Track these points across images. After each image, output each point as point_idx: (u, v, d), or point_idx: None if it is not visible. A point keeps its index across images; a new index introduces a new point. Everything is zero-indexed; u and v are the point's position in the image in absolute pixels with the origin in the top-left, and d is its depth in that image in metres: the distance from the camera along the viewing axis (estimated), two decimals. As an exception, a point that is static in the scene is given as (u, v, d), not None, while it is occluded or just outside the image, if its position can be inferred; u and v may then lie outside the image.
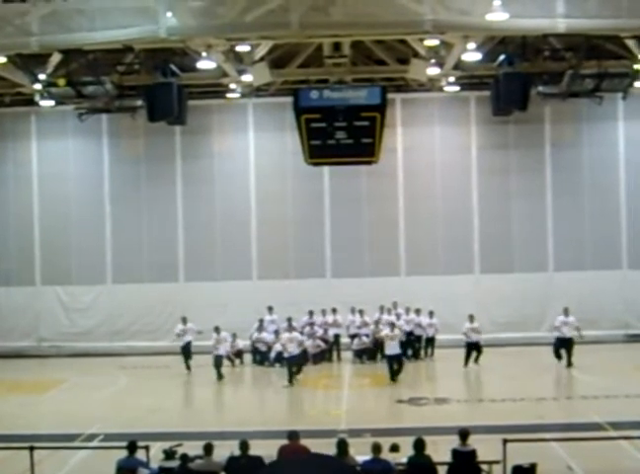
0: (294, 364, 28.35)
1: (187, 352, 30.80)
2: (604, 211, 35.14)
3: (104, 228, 35.96)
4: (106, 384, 28.50)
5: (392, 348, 27.87)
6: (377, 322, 31.90)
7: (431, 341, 32.54)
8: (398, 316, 31.96)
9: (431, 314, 32.35)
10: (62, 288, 36.14)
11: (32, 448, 16.03)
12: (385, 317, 31.99)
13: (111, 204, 36.04)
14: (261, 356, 32.20)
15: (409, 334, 31.80)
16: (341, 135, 21.96)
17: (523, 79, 26.28)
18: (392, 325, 28.73)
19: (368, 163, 24.26)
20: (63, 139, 35.86)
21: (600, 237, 35.02)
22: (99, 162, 36.04)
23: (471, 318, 30.45)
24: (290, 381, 27.69)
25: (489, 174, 35.38)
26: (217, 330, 29.81)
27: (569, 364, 29.04)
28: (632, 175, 35.16)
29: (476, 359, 29.98)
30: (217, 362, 29.31)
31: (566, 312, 29.82)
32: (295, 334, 29.62)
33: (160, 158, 35.64)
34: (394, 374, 27.63)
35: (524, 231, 35.33)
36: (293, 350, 28.41)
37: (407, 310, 32.41)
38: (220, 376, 29.06)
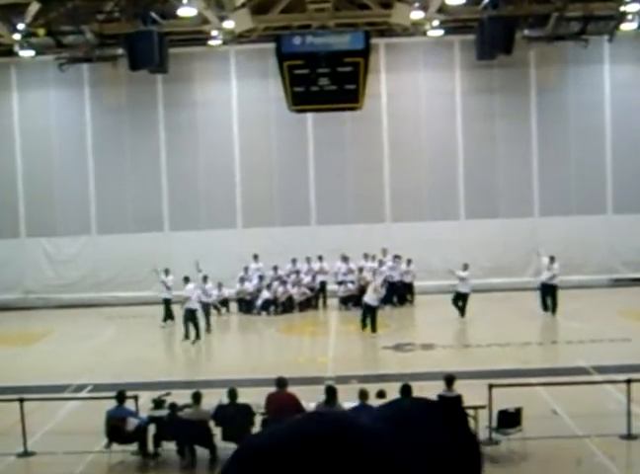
0: None
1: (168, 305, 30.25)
2: (590, 155, 35.07)
3: (87, 179, 35.77)
4: (93, 335, 28.54)
5: (368, 296, 27.59)
6: (361, 269, 32.02)
7: (408, 287, 32.62)
8: (381, 263, 32.04)
9: (408, 262, 32.40)
10: (47, 240, 36.02)
11: (21, 400, 16.11)
12: (369, 264, 32.11)
13: (94, 155, 35.80)
14: (246, 305, 32.26)
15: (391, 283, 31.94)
16: (324, 82, 21.80)
17: (508, 22, 26.09)
18: (374, 272, 28.78)
19: (352, 109, 24.17)
20: (44, 90, 35.47)
21: (585, 182, 34.99)
22: (81, 112, 35.74)
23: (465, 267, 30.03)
24: None
25: (474, 119, 35.23)
26: (187, 280, 28.21)
27: (554, 311, 29.13)
28: (618, 118, 35.05)
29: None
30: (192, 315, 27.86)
31: (552, 260, 29.85)
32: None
33: (142, 107, 35.36)
34: (366, 325, 27.14)
35: (509, 176, 35.28)
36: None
37: (394, 258, 32.47)
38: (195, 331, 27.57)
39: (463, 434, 1.21)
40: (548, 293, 29.39)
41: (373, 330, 26.81)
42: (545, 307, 29.36)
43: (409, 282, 32.58)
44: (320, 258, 33.07)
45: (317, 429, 1.09)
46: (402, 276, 32.35)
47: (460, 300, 29.24)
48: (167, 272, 30.73)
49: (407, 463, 1.07)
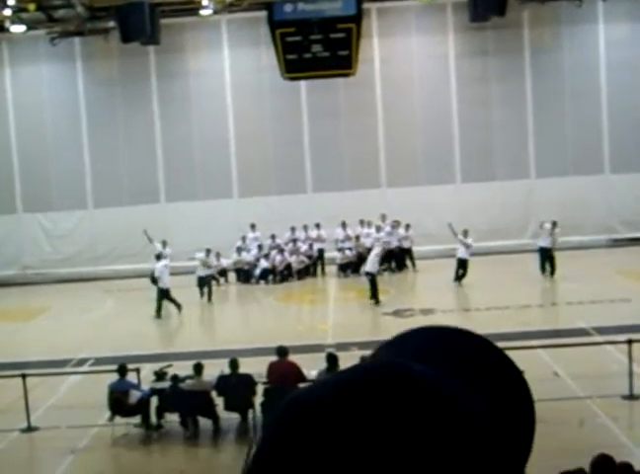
0: None
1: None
2: (586, 116, 34.95)
3: (82, 153, 35.66)
4: (92, 309, 28.50)
5: (369, 263, 27.19)
6: (358, 236, 32.01)
7: (407, 253, 32.58)
8: (378, 229, 32.01)
9: (407, 227, 32.37)
10: (44, 215, 35.96)
11: (23, 376, 16.12)
12: (366, 231, 32.10)
13: (87, 128, 35.65)
14: (245, 275, 32.24)
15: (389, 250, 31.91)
16: (317, 48, 21.71)
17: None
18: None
19: (346, 75, 24.08)
20: (36, 65, 35.27)
21: (581, 142, 34.88)
22: (73, 86, 35.56)
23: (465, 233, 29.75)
24: None
25: (468, 82, 35.06)
26: (158, 257, 28.15)
27: (552, 274, 29.08)
28: (613, 78, 34.88)
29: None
30: (200, 283, 28.93)
31: (554, 225, 29.67)
32: None
33: (135, 79, 35.16)
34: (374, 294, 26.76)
35: (505, 139, 35.17)
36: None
37: (393, 224, 32.44)
38: (203, 295, 28.77)
39: (498, 355, 1.19)
40: (547, 257, 29.34)
41: (372, 298, 26.57)
42: (544, 270, 29.33)
43: (407, 248, 32.53)
44: (317, 225, 33.04)
45: (363, 371, 1.05)
46: (401, 242, 32.32)
47: (461, 268, 29.08)
48: (164, 243, 30.66)
49: (461, 391, 1.04)
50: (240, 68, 35.18)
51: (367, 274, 26.91)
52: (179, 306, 26.96)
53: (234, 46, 35.15)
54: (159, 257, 27.99)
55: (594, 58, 35.03)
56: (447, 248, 33.13)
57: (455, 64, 35.18)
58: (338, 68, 21.79)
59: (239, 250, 32.46)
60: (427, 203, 34.19)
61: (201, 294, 28.76)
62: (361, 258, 31.19)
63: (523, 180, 35.22)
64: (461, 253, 29.06)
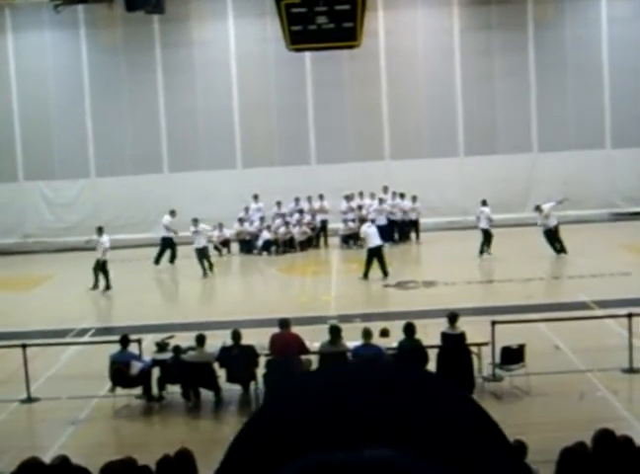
0: None
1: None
2: (588, 91, 34.94)
3: (85, 121, 35.59)
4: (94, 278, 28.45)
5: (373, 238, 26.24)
6: (360, 207, 32.02)
7: (414, 224, 32.60)
8: (381, 201, 32.02)
9: (414, 199, 32.37)
10: (45, 183, 35.93)
11: (24, 346, 16.12)
12: (368, 202, 32.11)
13: (91, 97, 35.56)
14: (247, 245, 32.25)
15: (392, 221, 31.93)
16: (322, 20, 21.52)
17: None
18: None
19: (350, 47, 23.86)
20: (40, 32, 35.15)
21: (583, 117, 34.89)
22: (77, 54, 35.44)
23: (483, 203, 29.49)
24: None
25: (472, 55, 34.98)
26: (100, 230, 28.11)
27: (565, 251, 28.49)
28: (615, 53, 34.86)
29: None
30: (200, 255, 28.43)
31: (560, 202, 29.24)
32: None
33: (139, 48, 35.03)
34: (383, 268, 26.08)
35: (508, 112, 35.15)
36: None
37: (393, 195, 32.48)
38: (204, 269, 28.24)
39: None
40: (555, 236, 28.68)
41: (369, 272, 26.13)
42: (558, 249, 28.43)
43: (415, 220, 32.51)
44: (321, 197, 33.02)
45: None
46: (407, 214, 32.31)
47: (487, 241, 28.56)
48: (173, 213, 30.70)
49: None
50: (245, 39, 35.04)
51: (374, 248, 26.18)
52: (107, 282, 26.75)
53: (239, 17, 35.01)
54: (101, 230, 28.04)
55: (596, 34, 34.98)
56: (450, 220, 33.35)
57: (459, 38, 35.09)
58: (343, 40, 21.60)
59: (241, 220, 32.44)
60: (430, 176, 34.17)
61: (203, 269, 28.18)
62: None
63: (526, 154, 35.25)
64: (483, 222, 28.78)
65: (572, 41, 34.87)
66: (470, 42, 34.95)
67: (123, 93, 35.34)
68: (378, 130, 35.27)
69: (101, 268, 26.75)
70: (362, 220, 30.08)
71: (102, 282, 26.75)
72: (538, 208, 28.53)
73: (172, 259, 30.30)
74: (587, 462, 7.70)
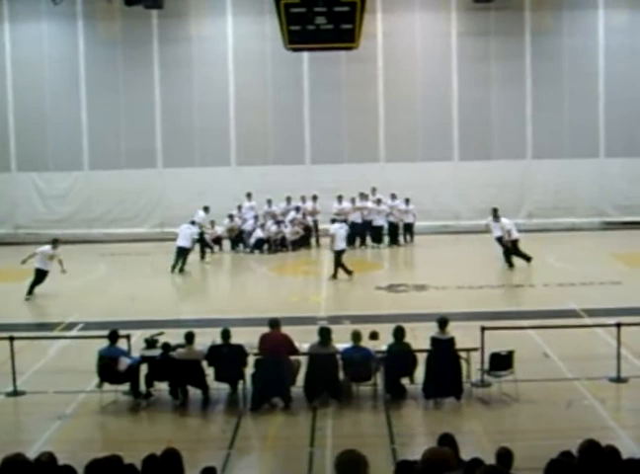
0: None
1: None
2: (583, 99, 35.12)
3: (80, 113, 35.50)
4: (84, 272, 28.35)
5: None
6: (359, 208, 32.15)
7: (409, 227, 32.62)
8: (379, 201, 32.06)
9: (407, 201, 32.39)
10: (38, 175, 35.86)
11: (11, 338, 16.03)
12: (359, 204, 32.18)
13: (86, 89, 35.49)
14: (238, 242, 32.17)
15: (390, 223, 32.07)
16: (321, 21, 21.50)
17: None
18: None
19: (348, 49, 23.78)
20: (37, 23, 35.06)
21: (578, 125, 35.07)
22: (74, 46, 35.36)
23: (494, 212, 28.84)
24: None
25: (469, 61, 35.06)
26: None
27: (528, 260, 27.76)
28: (611, 63, 35.04)
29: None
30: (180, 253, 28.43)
31: (495, 213, 28.61)
32: None
33: (137, 42, 35.00)
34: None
35: (503, 118, 35.26)
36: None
37: (392, 196, 32.47)
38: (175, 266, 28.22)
39: None
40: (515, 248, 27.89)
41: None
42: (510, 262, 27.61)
43: (409, 222, 32.48)
44: (314, 198, 32.91)
45: None
46: (401, 216, 32.26)
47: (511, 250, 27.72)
48: (206, 209, 31.47)
49: None
50: (243, 36, 35.03)
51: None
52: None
53: (238, 14, 34.98)
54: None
55: (593, 43, 35.15)
56: (443, 224, 33.41)
57: (457, 42, 35.16)
58: (341, 41, 21.54)
59: (231, 217, 32.34)
60: (424, 180, 34.24)
61: (175, 266, 28.25)
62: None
63: (520, 160, 35.33)
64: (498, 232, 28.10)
65: (568, 50, 34.99)
66: (467, 48, 35.01)
67: (120, 86, 35.29)
68: (374, 132, 35.28)
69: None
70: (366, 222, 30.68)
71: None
72: (496, 215, 28.37)
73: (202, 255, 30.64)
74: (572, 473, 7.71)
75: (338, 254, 26.33)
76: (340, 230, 26.77)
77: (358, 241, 32.00)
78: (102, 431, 14.68)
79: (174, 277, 27.84)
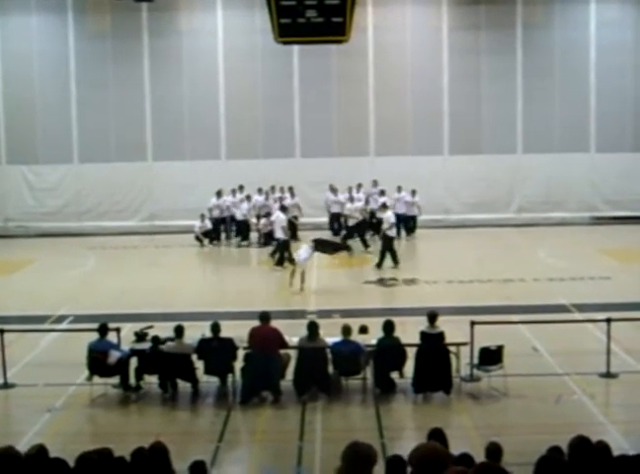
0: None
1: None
2: (574, 94, 35.11)
3: (69, 106, 35.35)
4: (74, 265, 28.38)
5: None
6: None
7: (413, 220, 32.47)
8: (382, 192, 31.66)
9: (413, 193, 32.19)
10: (28, 168, 35.72)
11: (2, 331, 16.02)
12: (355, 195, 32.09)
13: (76, 82, 35.33)
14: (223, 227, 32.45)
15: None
16: (311, 14, 21.47)
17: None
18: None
19: (339, 42, 23.62)
20: (26, 15, 34.84)
21: (568, 120, 35.06)
22: (63, 39, 35.17)
23: None
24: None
25: (460, 54, 35.01)
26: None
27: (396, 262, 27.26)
28: (602, 58, 35.04)
29: None
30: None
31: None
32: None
33: (127, 35, 34.84)
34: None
35: (494, 113, 35.23)
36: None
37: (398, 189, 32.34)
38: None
39: None
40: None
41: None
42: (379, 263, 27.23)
43: (413, 215, 32.38)
44: (290, 189, 32.49)
45: None
46: (407, 209, 32.08)
47: None
48: (219, 194, 31.87)
49: None
50: (233, 30, 34.93)
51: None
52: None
53: (228, 7, 34.88)
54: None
55: (584, 38, 35.14)
56: (433, 219, 33.40)
57: (448, 36, 35.10)
58: (331, 34, 21.47)
59: (219, 194, 32.24)
60: (414, 174, 34.12)
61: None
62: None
63: (510, 154, 35.32)
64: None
65: (560, 44, 34.97)
66: (458, 42, 34.97)
67: (109, 79, 35.15)
68: (364, 126, 35.24)
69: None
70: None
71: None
72: (385, 208, 28.40)
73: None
74: (563, 470, 7.71)
75: (280, 243, 27.11)
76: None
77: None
78: (92, 423, 14.68)
79: (163, 271, 27.76)
